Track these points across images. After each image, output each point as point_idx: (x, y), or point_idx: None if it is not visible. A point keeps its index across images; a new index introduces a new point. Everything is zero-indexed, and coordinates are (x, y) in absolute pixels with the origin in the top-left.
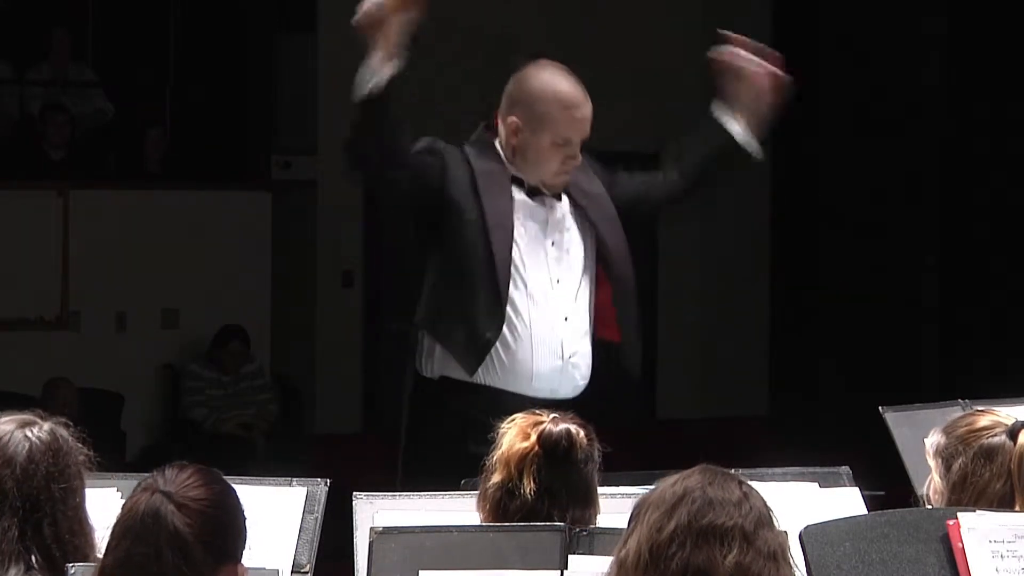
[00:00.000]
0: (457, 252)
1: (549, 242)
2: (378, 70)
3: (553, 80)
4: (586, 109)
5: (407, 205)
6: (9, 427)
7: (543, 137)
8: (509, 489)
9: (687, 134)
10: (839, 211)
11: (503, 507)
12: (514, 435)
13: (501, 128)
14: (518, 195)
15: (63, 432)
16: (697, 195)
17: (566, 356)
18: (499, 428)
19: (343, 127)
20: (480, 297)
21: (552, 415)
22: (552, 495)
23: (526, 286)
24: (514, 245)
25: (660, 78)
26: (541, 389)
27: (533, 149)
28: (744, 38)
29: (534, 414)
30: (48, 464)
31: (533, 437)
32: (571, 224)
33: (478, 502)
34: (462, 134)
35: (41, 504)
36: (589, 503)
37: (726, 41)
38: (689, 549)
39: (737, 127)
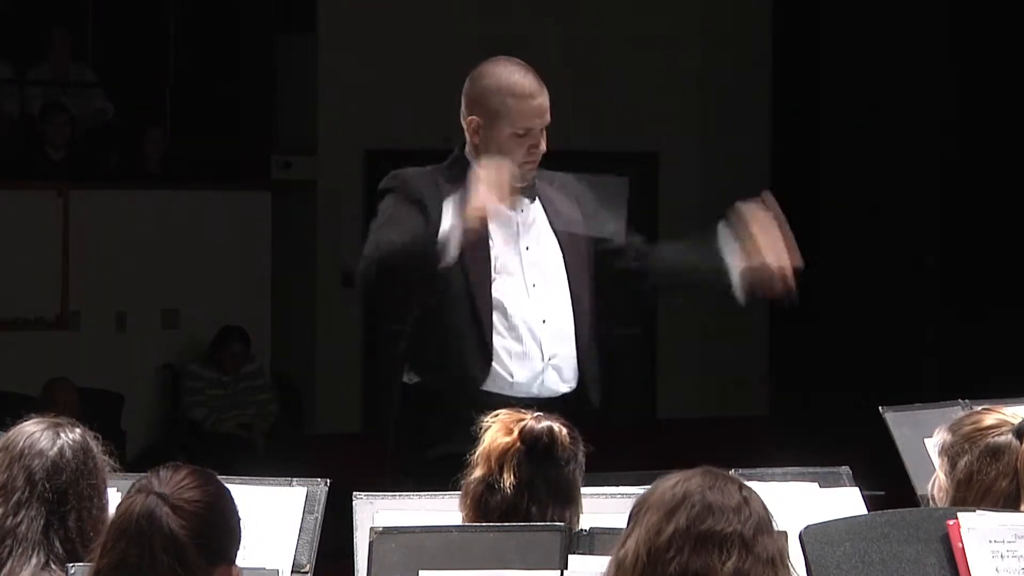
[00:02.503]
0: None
1: (524, 246)
2: (456, 243)
3: (504, 73)
4: (541, 98)
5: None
6: (41, 426)
7: (502, 130)
8: (489, 484)
9: (691, 242)
10: (839, 210)
11: (483, 502)
12: (496, 430)
13: (464, 130)
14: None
15: (92, 440)
16: (658, 291)
17: (546, 358)
18: (482, 424)
19: (343, 127)
20: (466, 340)
21: (536, 413)
22: (532, 491)
23: (503, 299)
24: (491, 259)
25: (659, 79)
26: (521, 392)
27: (495, 143)
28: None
29: (518, 411)
30: (78, 461)
31: (515, 432)
32: (544, 229)
33: (460, 498)
34: (455, 135)
35: (69, 497)
36: (570, 502)
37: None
38: (687, 554)
39: (736, 274)
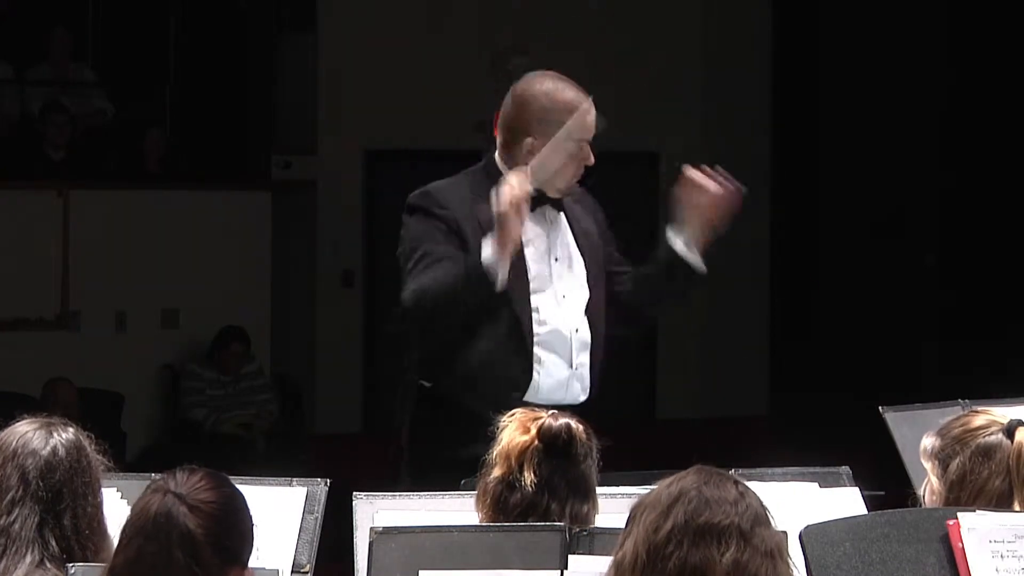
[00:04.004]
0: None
1: (553, 258)
2: (503, 266)
3: (557, 91)
4: (592, 108)
5: None
6: (34, 426)
7: (555, 144)
8: (509, 483)
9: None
10: (839, 211)
11: (503, 501)
12: (514, 429)
13: (508, 146)
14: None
15: (85, 439)
16: (641, 315)
17: (574, 366)
18: (498, 424)
19: (343, 127)
20: (510, 358)
21: (551, 411)
22: (552, 488)
23: (537, 311)
24: (528, 271)
25: (660, 79)
26: (543, 398)
27: (548, 162)
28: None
29: (533, 410)
30: (72, 460)
31: (533, 430)
32: (569, 239)
33: (477, 498)
34: (460, 134)
35: (63, 495)
36: (588, 498)
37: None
38: (686, 548)
39: (681, 244)
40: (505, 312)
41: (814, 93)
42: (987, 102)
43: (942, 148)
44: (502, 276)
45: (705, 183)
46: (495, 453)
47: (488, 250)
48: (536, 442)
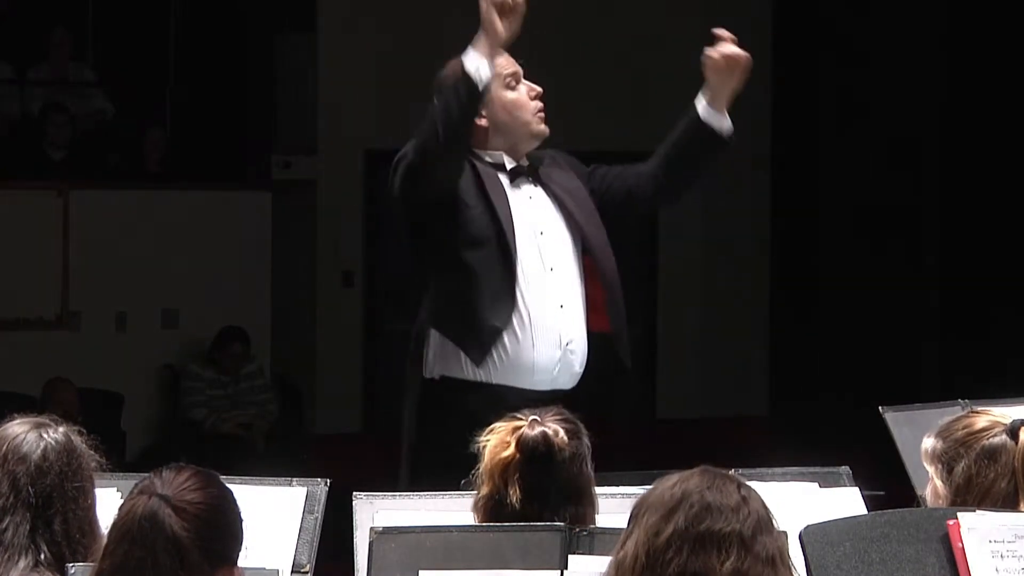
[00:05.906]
0: (465, 244)
1: (539, 231)
2: (486, 62)
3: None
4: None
5: (429, 201)
6: (24, 427)
7: (498, 94)
8: (498, 500)
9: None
10: (839, 211)
11: (495, 518)
12: (494, 445)
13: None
14: (505, 185)
15: (76, 436)
16: (681, 183)
17: (564, 344)
18: (481, 440)
19: (343, 127)
20: (488, 287)
21: (531, 416)
22: (541, 498)
23: (524, 277)
24: (511, 243)
25: (660, 78)
26: (541, 381)
27: (503, 110)
28: (727, 34)
29: (514, 418)
30: (62, 463)
31: (513, 444)
32: (554, 214)
33: (472, 514)
34: None
35: (53, 501)
36: (582, 500)
37: (718, 40)
38: (686, 555)
39: (702, 105)
40: (497, 254)
41: (814, 93)
42: (989, 102)
43: (942, 147)
44: (484, 73)
45: (712, 56)
46: (480, 470)
47: (471, 54)
48: (517, 455)
